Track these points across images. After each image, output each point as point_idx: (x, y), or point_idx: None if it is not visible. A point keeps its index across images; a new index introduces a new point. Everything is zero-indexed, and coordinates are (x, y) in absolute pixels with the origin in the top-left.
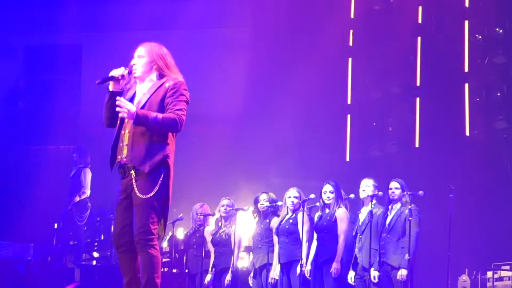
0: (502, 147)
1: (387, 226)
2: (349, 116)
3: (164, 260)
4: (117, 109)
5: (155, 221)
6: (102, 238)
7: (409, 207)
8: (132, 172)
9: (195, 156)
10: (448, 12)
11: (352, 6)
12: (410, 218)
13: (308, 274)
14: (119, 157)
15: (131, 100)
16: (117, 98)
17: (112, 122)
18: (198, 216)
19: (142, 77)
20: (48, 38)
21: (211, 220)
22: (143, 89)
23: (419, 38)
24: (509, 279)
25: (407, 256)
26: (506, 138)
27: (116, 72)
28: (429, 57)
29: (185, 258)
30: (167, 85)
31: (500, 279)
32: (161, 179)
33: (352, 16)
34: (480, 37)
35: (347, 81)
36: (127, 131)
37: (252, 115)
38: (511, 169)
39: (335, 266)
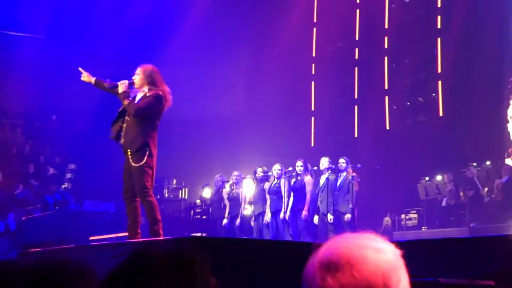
0: (410, 139)
1: (337, 187)
2: (313, 118)
3: (197, 210)
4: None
5: (148, 179)
6: None
7: (352, 174)
8: (128, 150)
9: (214, 145)
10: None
11: (315, 11)
12: (352, 182)
13: (288, 218)
14: (121, 141)
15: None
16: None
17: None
18: (218, 182)
19: (139, 87)
20: None
21: (227, 185)
22: (138, 97)
23: (356, 50)
24: (415, 219)
25: (350, 205)
26: (415, 131)
27: (120, 83)
28: (365, 72)
29: (210, 209)
30: (148, 93)
31: (409, 219)
32: (146, 154)
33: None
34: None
35: (311, 87)
36: (124, 125)
37: (247, 116)
38: (414, 153)
39: (304, 213)
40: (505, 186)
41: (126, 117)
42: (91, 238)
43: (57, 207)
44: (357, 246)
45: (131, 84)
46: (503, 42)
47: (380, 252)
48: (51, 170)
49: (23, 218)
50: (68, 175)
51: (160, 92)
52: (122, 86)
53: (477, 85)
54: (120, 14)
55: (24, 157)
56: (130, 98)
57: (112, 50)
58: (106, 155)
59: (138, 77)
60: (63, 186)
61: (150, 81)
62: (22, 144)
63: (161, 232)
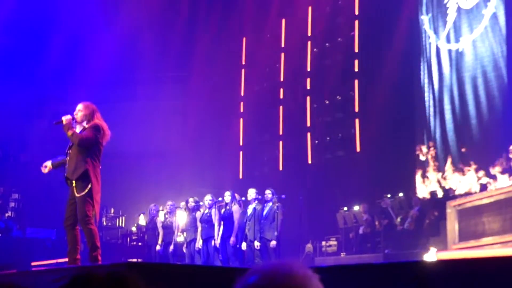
0: (330, 172)
1: (264, 215)
2: (241, 152)
3: (134, 237)
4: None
5: (90, 208)
6: None
7: (277, 204)
8: (73, 182)
9: (149, 177)
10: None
11: (243, 54)
12: (278, 211)
13: (218, 245)
14: (65, 173)
15: None
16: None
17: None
18: (153, 211)
19: (79, 121)
20: None
21: (161, 213)
22: (77, 131)
23: (281, 90)
24: (335, 246)
25: (276, 233)
26: (334, 165)
27: (65, 118)
28: (289, 111)
29: (145, 236)
30: (86, 126)
31: (329, 246)
32: (89, 185)
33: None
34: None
35: (239, 124)
36: (67, 158)
37: (181, 150)
38: (334, 184)
39: (233, 239)
40: (418, 214)
41: (69, 150)
42: (33, 263)
43: (0, 234)
44: (269, 274)
45: (73, 119)
46: (414, 84)
47: (290, 278)
48: None
49: None
50: (12, 204)
51: (98, 124)
52: (65, 119)
53: (390, 124)
54: (58, 51)
55: None
56: (74, 129)
57: (52, 87)
58: (47, 185)
59: (80, 113)
60: (6, 215)
61: (90, 117)
62: None
63: (100, 258)
